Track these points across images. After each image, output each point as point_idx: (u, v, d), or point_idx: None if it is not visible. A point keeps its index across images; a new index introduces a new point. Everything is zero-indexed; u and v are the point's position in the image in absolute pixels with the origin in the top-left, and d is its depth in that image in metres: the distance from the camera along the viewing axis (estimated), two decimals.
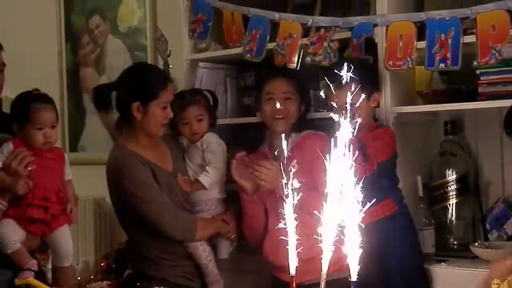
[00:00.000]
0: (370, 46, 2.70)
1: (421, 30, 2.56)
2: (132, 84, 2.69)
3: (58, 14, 4.37)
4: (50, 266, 2.77)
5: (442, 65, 2.51)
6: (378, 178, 2.51)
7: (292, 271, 1.37)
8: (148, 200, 2.64)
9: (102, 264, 3.72)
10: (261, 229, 2.73)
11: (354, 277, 1.26)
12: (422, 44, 2.54)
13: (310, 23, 2.81)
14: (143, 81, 2.67)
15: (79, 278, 3.65)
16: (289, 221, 1.36)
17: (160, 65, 3.39)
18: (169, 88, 2.70)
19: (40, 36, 4.37)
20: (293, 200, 1.34)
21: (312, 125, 2.75)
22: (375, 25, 2.66)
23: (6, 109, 2.54)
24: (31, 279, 2.07)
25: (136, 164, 2.66)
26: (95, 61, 4.18)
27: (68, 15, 4.33)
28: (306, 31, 2.85)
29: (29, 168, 2.36)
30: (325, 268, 1.33)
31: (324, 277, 1.33)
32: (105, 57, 4.14)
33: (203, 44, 3.22)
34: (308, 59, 2.80)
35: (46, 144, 2.46)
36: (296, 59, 2.82)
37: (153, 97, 2.63)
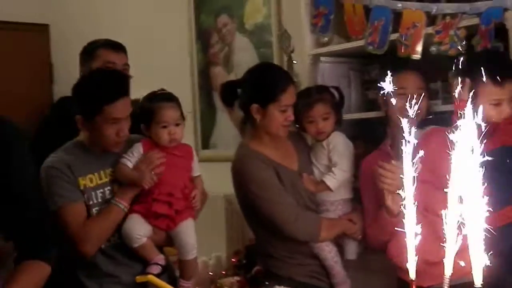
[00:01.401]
0: (501, 32, 2.51)
1: None
2: (253, 85, 2.70)
3: (189, 15, 4.48)
4: None
5: None
6: None
7: (412, 274, 1.30)
8: (269, 200, 2.62)
9: (233, 260, 3.77)
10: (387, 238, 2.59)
11: (478, 283, 1.18)
12: None
13: (434, 10, 2.66)
14: (263, 83, 2.66)
15: (210, 273, 3.74)
16: (410, 222, 1.29)
17: (285, 61, 3.38)
18: (290, 90, 2.64)
19: (172, 37, 4.50)
20: (415, 201, 1.27)
21: (434, 120, 2.60)
22: (506, 9, 2.47)
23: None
24: (151, 277, 2.11)
25: (258, 164, 2.66)
26: (224, 60, 4.24)
27: (198, 15, 4.42)
28: (430, 19, 2.70)
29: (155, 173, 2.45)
30: (448, 271, 1.25)
31: (447, 282, 1.25)
32: (233, 55, 4.18)
33: (326, 38, 3.15)
34: (433, 48, 2.65)
35: (171, 142, 2.52)
36: (420, 49, 2.69)
37: (273, 100, 2.61)
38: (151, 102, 2.54)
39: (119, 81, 2.46)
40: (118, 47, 3.06)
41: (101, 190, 2.47)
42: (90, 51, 3.03)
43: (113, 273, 2.49)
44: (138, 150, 2.51)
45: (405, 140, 1.35)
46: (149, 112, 2.52)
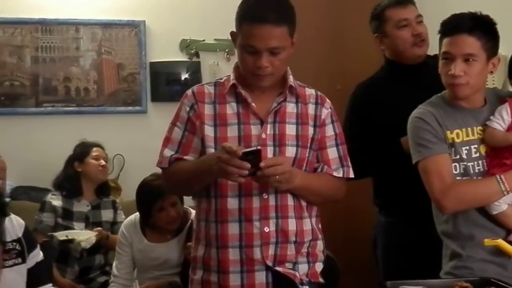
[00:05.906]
0: None
1: None
2: None
3: None
4: None
5: None
6: None
7: None
8: None
9: None
10: None
11: None
12: None
13: None
14: None
15: None
16: None
17: None
18: None
19: None
20: None
21: None
22: None
23: None
24: (501, 241, 2.01)
25: None
26: None
27: None
28: None
29: None
30: None
31: None
32: None
33: None
34: None
35: None
36: None
37: None
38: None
39: None
40: (405, 1, 2.98)
41: (467, 147, 2.41)
42: (378, 15, 3.00)
43: (470, 233, 2.40)
44: (506, 111, 2.40)
45: None
46: None
